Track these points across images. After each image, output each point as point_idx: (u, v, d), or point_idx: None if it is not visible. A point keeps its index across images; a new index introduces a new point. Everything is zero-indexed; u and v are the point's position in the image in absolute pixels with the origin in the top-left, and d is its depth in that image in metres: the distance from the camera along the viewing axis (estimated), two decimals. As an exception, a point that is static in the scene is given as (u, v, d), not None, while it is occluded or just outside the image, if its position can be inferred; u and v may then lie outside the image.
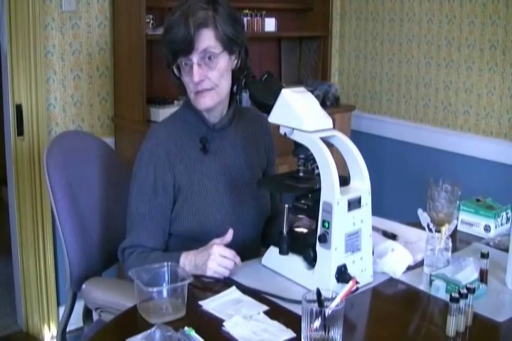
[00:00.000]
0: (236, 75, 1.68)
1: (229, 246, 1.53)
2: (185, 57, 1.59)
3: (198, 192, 1.66)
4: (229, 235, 1.55)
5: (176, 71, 1.64)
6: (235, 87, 1.70)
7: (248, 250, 1.65)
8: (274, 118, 1.52)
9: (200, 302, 1.39)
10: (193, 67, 1.58)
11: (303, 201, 1.50)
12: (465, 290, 1.29)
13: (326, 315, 1.17)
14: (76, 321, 1.92)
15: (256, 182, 1.68)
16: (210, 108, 1.65)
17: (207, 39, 1.58)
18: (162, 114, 2.67)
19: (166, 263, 1.42)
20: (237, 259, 1.52)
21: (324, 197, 1.42)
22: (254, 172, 1.77)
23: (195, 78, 1.58)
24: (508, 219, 1.90)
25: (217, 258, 1.49)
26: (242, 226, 1.69)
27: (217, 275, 1.50)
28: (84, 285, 1.73)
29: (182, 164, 1.66)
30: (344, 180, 1.47)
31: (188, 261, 1.54)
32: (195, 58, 1.58)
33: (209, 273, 1.49)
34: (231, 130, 1.74)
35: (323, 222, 1.42)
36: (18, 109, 2.61)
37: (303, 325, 1.20)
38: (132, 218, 1.66)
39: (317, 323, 1.17)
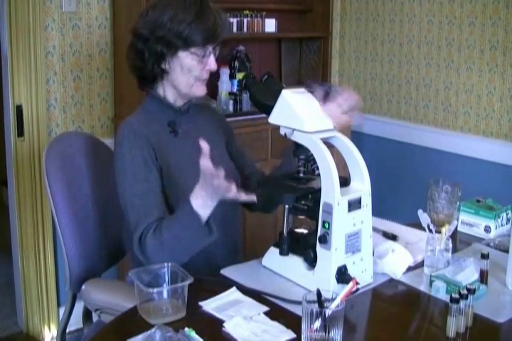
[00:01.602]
0: None
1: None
2: (201, 47, 1.65)
3: (177, 173, 1.66)
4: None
5: (172, 59, 1.67)
6: None
7: (228, 212, 1.72)
8: (274, 118, 1.52)
9: (201, 303, 1.39)
10: (211, 57, 1.68)
11: (303, 202, 1.50)
12: (465, 291, 1.29)
13: (326, 315, 1.17)
14: (76, 322, 1.92)
15: (223, 157, 1.77)
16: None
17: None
18: (162, 114, 2.67)
19: (166, 264, 1.42)
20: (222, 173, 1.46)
21: (324, 197, 1.42)
22: (221, 150, 1.83)
23: (214, 67, 1.69)
24: (508, 219, 1.90)
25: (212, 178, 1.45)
26: None
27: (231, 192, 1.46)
28: (83, 286, 1.73)
29: (157, 148, 1.67)
30: (344, 181, 1.47)
31: (201, 196, 1.49)
32: (212, 48, 1.69)
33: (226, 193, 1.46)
34: (195, 115, 1.82)
35: (324, 222, 1.42)
36: (19, 109, 2.60)
37: (303, 326, 1.20)
38: (135, 209, 1.57)
39: (317, 324, 1.17)
